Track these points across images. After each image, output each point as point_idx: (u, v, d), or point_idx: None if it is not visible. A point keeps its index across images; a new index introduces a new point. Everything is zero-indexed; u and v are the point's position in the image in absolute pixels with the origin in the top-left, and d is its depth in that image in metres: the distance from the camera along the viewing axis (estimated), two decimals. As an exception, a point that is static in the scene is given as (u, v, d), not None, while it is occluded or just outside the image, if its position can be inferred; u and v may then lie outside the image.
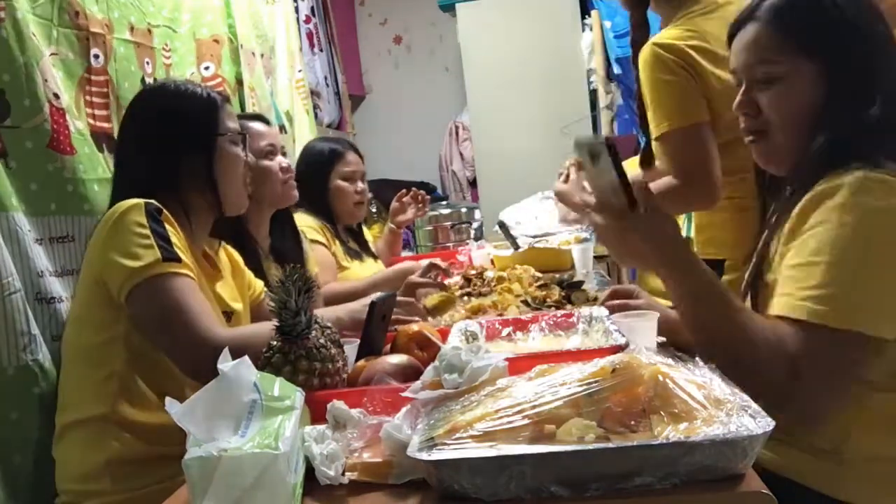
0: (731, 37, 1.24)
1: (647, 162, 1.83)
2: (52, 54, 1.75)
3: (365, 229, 2.89)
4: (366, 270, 2.51)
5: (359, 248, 2.61)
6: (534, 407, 0.86)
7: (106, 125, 1.95)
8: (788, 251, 1.11)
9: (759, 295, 1.20)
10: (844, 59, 1.12)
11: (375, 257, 2.71)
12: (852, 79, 1.11)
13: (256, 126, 2.01)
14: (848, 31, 1.12)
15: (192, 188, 1.50)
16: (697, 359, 0.98)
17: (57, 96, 1.71)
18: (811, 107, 1.13)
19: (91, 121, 1.89)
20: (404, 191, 2.89)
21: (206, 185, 1.50)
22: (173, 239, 1.35)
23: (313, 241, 2.34)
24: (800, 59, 1.13)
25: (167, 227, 1.37)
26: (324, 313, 1.44)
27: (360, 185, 2.56)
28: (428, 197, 2.91)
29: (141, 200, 1.37)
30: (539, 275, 2.19)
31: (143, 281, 1.30)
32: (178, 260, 1.33)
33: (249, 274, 1.73)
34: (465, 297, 2.05)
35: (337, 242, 2.49)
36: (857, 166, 1.08)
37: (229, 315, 1.56)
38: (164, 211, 1.38)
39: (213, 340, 1.25)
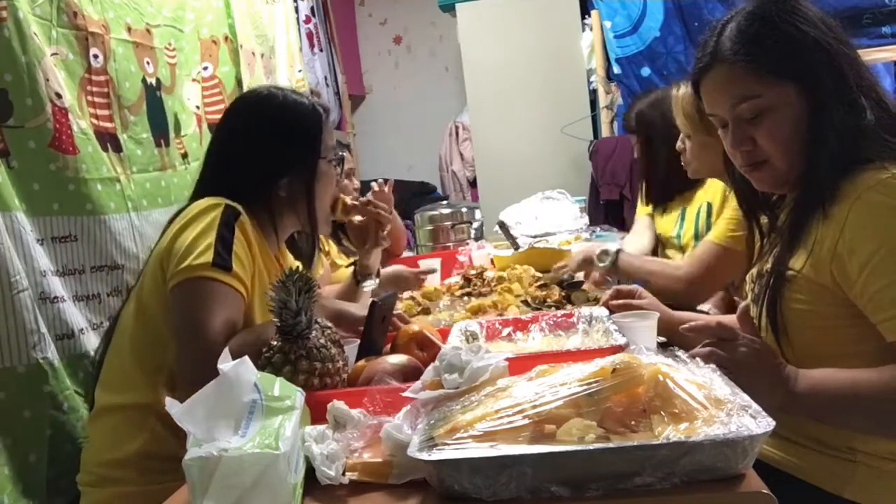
0: (697, 82, 1.24)
1: None
2: (53, 54, 1.75)
3: None
4: None
5: (348, 246, 2.61)
6: (534, 407, 0.86)
7: (108, 125, 1.95)
8: (853, 271, 1.08)
9: (784, 315, 1.18)
10: (817, 74, 1.13)
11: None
12: (832, 89, 1.12)
13: None
14: (813, 47, 1.13)
15: (286, 202, 1.50)
16: (697, 359, 0.98)
17: (59, 96, 1.71)
18: (802, 126, 1.14)
19: (94, 120, 1.89)
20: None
21: (302, 203, 1.50)
22: (236, 248, 1.35)
23: None
24: (779, 86, 1.14)
25: (238, 233, 1.37)
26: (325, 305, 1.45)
27: (356, 182, 2.60)
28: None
29: (223, 202, 1.38)
30: (539, 275, 2.19)
31: (185, 280, 1.31)
32: (229, 269, 1.33)
33: None
34: (465, 297, 2.06)
35: (331, 242, 2.50)
36: (875, 167, 1.08)
37: None
38: (243, 216, 1.39)
39: (213, 351, 1.23)
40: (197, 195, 1.48)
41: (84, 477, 1.40)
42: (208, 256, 1.31)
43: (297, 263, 1.73)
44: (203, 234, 1.34)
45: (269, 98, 1.54)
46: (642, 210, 2.64)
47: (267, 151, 1.48)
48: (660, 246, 2.60)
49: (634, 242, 2.54)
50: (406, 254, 3.52)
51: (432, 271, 2.37)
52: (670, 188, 2.35)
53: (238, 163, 1.49)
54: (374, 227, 1.99)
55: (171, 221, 1.45)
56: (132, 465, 1.34)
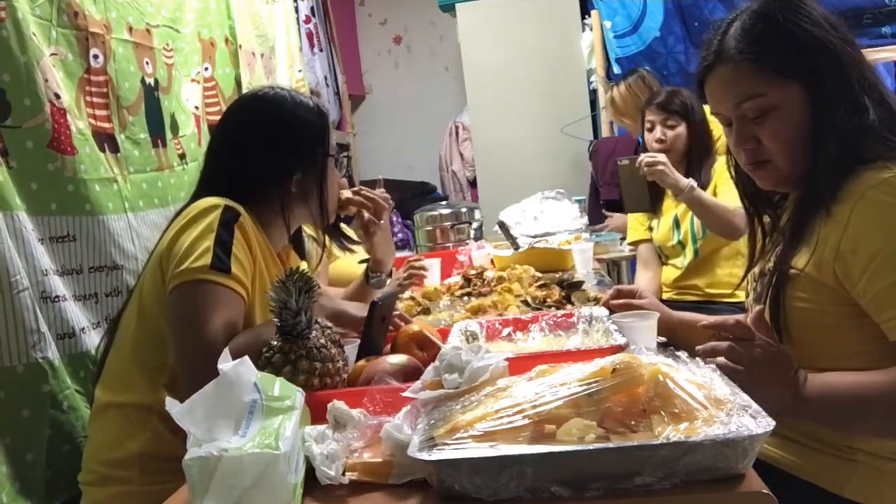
0: (701, 81, 1.24)
1: None
2: (52, 54, 1.75)
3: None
4: (355, 261, 2.52)
5: (344, 241, 2.62)
6: (534, 407, 0.86)
7: (106, 125, 1.95)
8: (856, 270, 1.08)
9: (787, 313, 1.18)
10: (821, 73, 1.13)
11: (359, 243, 2.72)
12: (833, 89, 1.12)
13: None
14: (816, 46, 1.13)
15: (298, 198, 1.51)
16: (698, 359, 0.98)
17: (58, 96, 1.71)
18: (805, 125, 1.15)
19: (92, 121, 1.89)
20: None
21: (314, 198, 1.52)
22: (236, 250, 1.35)
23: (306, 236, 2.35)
24: (782, 85, 1.14)
25: (238, 234, 1.36)
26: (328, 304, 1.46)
27: (343, 179, 2.63)
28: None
29: (222, 203, 1.38)
30: (539, 275, 2.19)
31: (184, 282, 1.31)
32: (227, 271, 1.32)
33: None
34: (465, 297, 2.06)
35: (326, 236, 2.52)
36: (877, 166, 1.08)
37: None
38: (243, 217, 1.39)
39: (213, 352, 1.23)
40: (197, 195, 1.47)
41: (85, 476, 1.40)
42: (206, 259, 1.31)
43: (303, 264, 1.74)
44: (202, 236, 1.33)
45: (278, 98, 1.54)
46: (637, 234, 2.68)
47: (279, 150, 1.48)
48: (662, 256, 2.64)
49: (647, 279, 2.65)
50: (406, 253, 3.53)
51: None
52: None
53: (247, 161, 1.48)
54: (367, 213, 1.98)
55: (171, 222, 1.45)
56: (134, 464, 1.34)
